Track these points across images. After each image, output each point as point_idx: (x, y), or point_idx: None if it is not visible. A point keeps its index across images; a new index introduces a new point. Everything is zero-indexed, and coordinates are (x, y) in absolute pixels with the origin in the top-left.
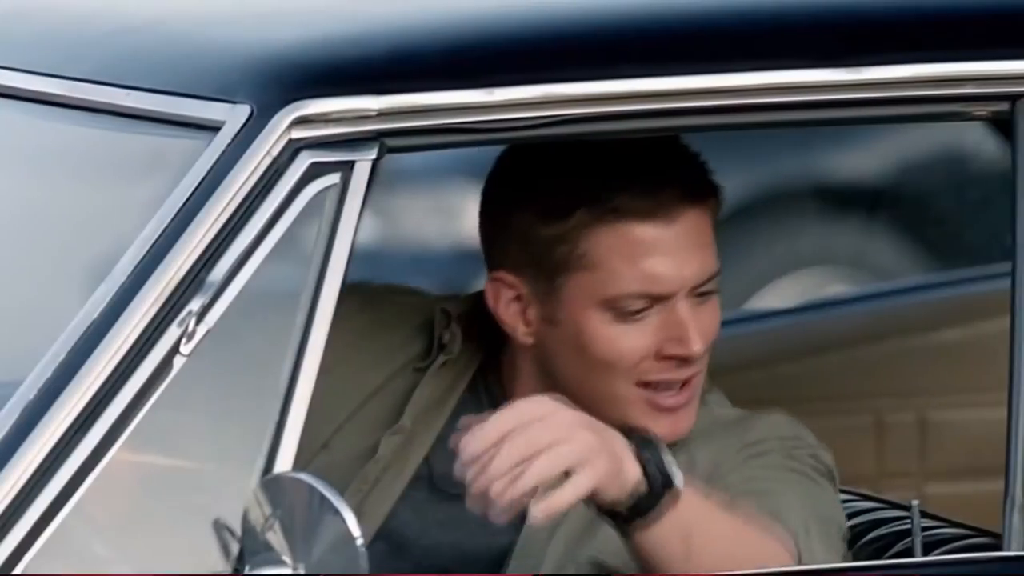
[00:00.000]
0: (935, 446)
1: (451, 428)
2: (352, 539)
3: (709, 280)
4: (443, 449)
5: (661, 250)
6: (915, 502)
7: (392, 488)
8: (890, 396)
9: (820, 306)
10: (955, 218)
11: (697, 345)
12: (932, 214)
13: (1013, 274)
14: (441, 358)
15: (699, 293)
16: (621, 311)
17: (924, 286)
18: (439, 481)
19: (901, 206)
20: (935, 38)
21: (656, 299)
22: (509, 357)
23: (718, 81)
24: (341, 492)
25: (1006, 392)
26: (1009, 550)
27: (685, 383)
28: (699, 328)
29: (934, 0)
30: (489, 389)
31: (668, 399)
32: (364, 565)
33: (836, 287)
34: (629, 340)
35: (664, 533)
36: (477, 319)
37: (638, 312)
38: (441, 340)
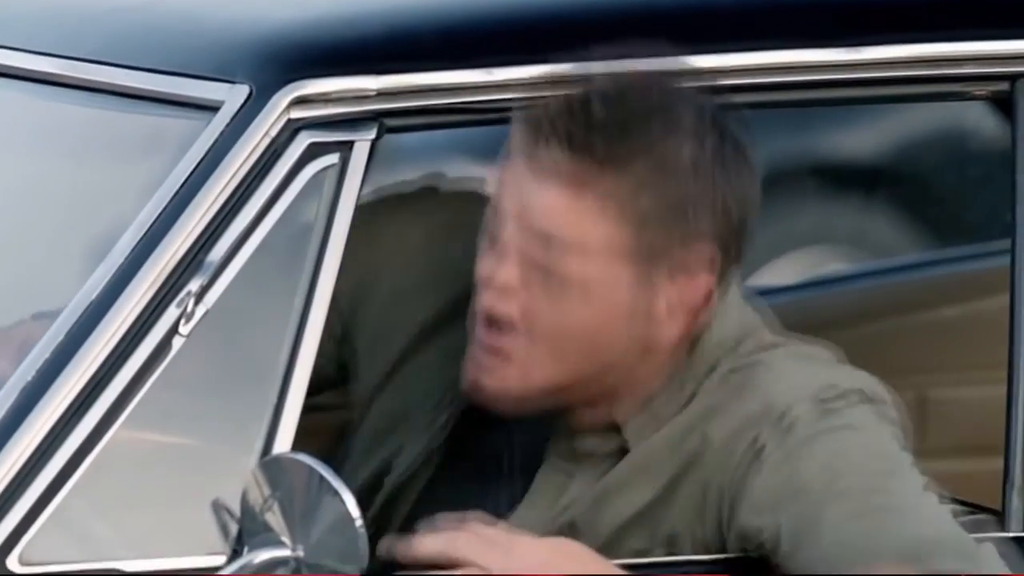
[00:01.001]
0: (934, 424)
1: None
2: (351, 520)
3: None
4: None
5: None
6: None
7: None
8: (889, 374)
9: (818, 284)
10: (954, 196)
11: (485, 297)
12: (930, 192)
13: (1012, 252)
14: None
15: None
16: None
17: (923, 264)
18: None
19: (899, 184)
20: (934, 18)
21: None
22: None
23: (716, 61)
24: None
25: (1005, 370)
26: (1009, 531)
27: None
28: (505, 285)
29: None
30: None
31: (474, 349)
32: (363, 547)
33: (834, 265)
34: None
35: None
36: None
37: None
38: None
